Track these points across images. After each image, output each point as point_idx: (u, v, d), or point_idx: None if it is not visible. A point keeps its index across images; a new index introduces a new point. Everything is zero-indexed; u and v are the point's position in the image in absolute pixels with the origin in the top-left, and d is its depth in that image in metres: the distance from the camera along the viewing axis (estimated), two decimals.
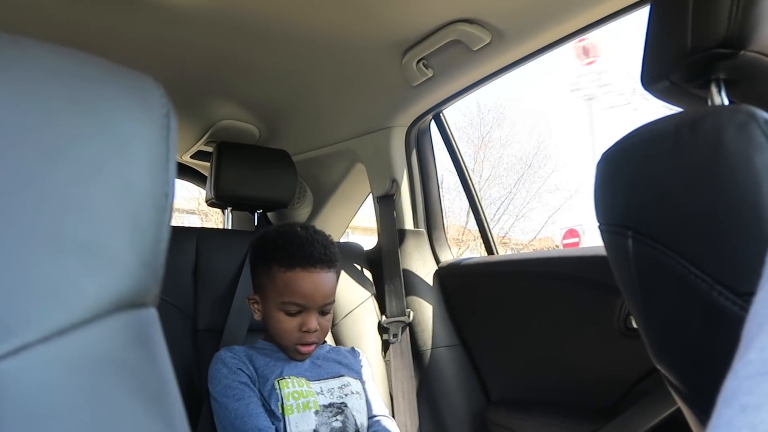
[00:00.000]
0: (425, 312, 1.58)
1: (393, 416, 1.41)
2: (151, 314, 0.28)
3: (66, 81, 0.29)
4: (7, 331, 0.23)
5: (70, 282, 0.25)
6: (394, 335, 1.54)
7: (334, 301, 1.23)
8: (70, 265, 0.25)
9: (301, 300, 1.16)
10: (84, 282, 0.25)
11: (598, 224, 0.58)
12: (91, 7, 1.21)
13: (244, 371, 1.15)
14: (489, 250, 1.69)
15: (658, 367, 0.53)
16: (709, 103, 0.63)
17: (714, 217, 0.43)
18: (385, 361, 1.55)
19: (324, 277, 1.19)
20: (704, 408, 0.44)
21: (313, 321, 1.17)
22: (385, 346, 1.56)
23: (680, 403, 0.50)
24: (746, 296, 0.40)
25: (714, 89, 0.63)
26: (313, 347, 1.20)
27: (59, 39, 1.32)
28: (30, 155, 0.26)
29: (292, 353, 1.21)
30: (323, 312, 1.20)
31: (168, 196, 0.30)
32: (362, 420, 1.19)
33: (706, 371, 0.43)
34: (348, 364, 1.29)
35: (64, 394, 0.23)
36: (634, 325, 1.17)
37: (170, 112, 0.31)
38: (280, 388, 1.13)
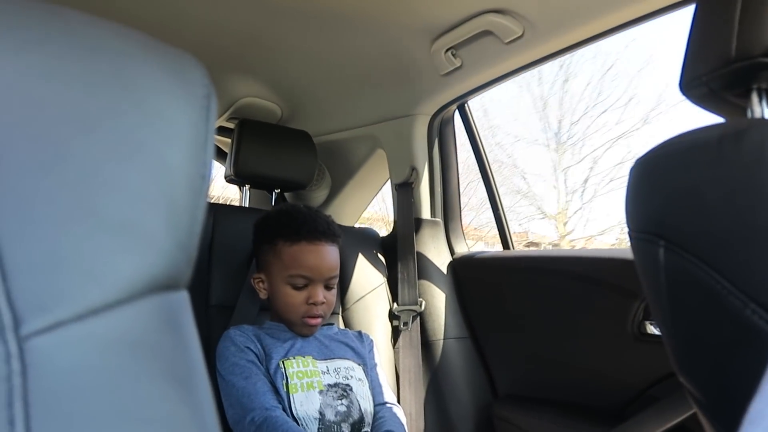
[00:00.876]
0: (437, 302, 1.57)
1: (399, 404, 1.42)
2: (183, 297, 0.28)
3: (108, 55, 0.28)
4: (42, 308, 0.22)
5: (106, 261, 0.24)
6: (404, 323, 1.54)
7: (338, 276, 1.26)
8: (106, 243, 0.25)
9: (308, 272, 1.20)
10: (119, 262, 0.25)
11: (627, 230, 0.57)
12: None
13: (252, 349, 1.16)
14: (505, 244, 1.68)
15: (680, 378, 0.52)
16: (749, 112, 0.61)
17: (752, 232, 0.42)
18: (394, 349, 1.55)
19: (329, 249, 1.23)
20: (726, 425, 0.44)
21: (320, 293, 1.20)
22: (395, 333, 1.56)
23: (701, 416, 0.50)
24: None
25: (755, 99, 0.61)
26: (319, 320, 1.22)
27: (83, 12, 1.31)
28: (70, 130, 0.25)
29: (299, 328, 1.23)
30: (328, 286, 1.24)
31: (204, 178, 0.29)
32: (366, 406, 1.20)
33: (732, 388, 0.43)
34: (355, 347, 1.30)
35: (95, 375, 0.23)
36: (648, 331, 1.16)
37: (211, 94, 0.30)
38: (285, 368, 1.14)
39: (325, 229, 1.24)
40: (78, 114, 0.26)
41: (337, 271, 1.26)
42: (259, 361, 1.16)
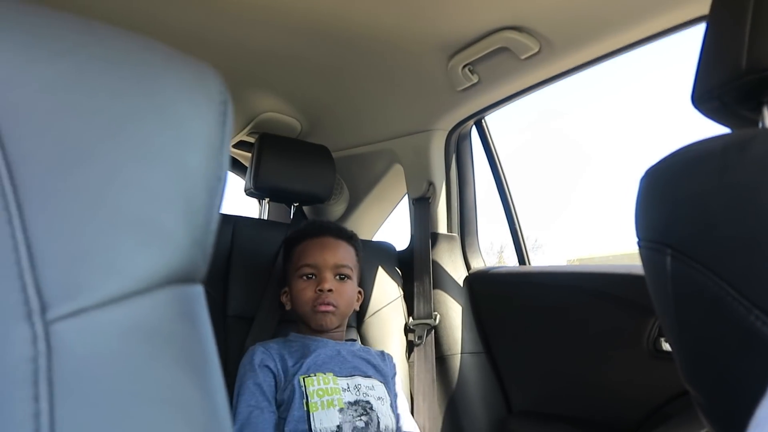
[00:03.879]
0: (452, 317, 1.58)
1: (412, 416, 1.42)
2: (198, 291, 0.29)
3: (133, 64, 0.30)
4: (67, 295, 0.24)
5: (126, 254, 0.26)
6: (419, 337, 1.54)
7: (351, 270, 1.31)
8: (127, 238, 0.26)
9: (312, 260, 1.27)
10: (139, 255, 0.26)
11: (637, 240, 0.58)
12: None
13: (270, 368, 1.18)
14: (521, 260, 1.68)
15: (688, 388, 0.52)
16: (760, 125, 0.62)
17: (756, 240, 0.42)
18: (408, 363, 1.56)
19: (333, 241, 1.30)
20: (731, 430, 0.44)
21: (327, 280, 1.25)
22: (410, 347, 1.57)
23: (708, 427, 0.50)
24: None
25: (766, 112, 0.62)
26: (330, 308, 1.25)
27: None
28: (96, 132, 0.27)
29: (315, 320, 1.25)
30: (340, 276, 1.28)
31: (220, 180, 0.31)
32: (387, 423, 1.20)
33: (737, 394, 0.43)
34: (377, 365, 1.30)
35: (114, 359, 0.24)
36: (663, 347, 1.16)
37: (227, 101, 0.32)
38: (305, 386, 1.15)
39: (330, 226, 1.33)
40: (103, 118, 0.28)
41: (348, 264, 1.30)
42: (276, 380, 1.18)
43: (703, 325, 0.47)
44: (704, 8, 0.69)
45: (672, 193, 0.52)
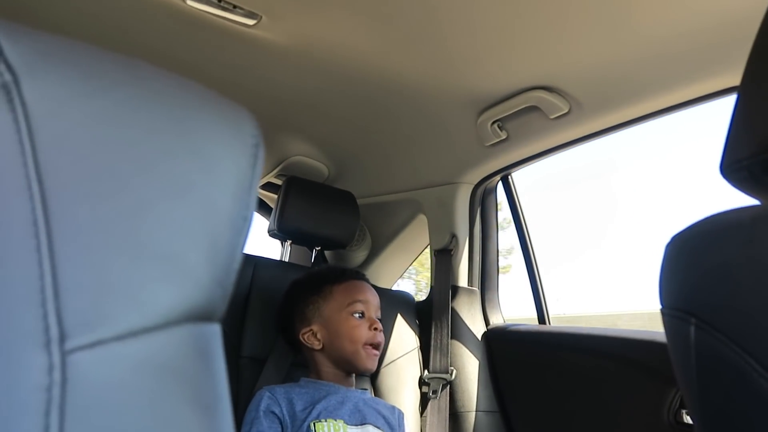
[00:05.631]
0: (468, 373, 1.55)
1: None
2: (215, 330, 0.30)
3: (168, 103, 0.31)
4: (87, 326, 0.24)
5: (148, 288, 0.26)
6: (433, 391, 1.51)
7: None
8: (150, 272, 0.27)
9: (363, 297, 1.30)
10: (160, 290, 0.27)
11: (660, 307, 0.57)
12: (179, 40, 1.29)
13: (276, 413, 1.16)
14: (541, 319, 1.65)
15: None
16: None
17: None
18: (421, 417, 1.53)
19: (369, 286, 1.36)
20: None
21: (377, 320, 1.30)
22: (424, 401, 1.54)
23: None
24: None
25: None
26: (378, 353, 1.29)
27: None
28: (130, 167, 0.28)
29: (361, 361, 1.26)
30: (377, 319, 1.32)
31: (246, 220, 0.31)
32: None
33: None
34: (387, 417, 1.28)
35: (127, 392, 0.24)
36: (685, 420, 1.12)
37: (260, 144, 0.33)
38: (315, 431, 1.13)
39: (360, 273, 1.40)
40: (136, 154, 0.28)
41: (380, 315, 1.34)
42: (282, 425, 1.16)
43: (726, 397, 0.45)
44: (735, 80, 0.70)
45: (697, 262, 0.52)
